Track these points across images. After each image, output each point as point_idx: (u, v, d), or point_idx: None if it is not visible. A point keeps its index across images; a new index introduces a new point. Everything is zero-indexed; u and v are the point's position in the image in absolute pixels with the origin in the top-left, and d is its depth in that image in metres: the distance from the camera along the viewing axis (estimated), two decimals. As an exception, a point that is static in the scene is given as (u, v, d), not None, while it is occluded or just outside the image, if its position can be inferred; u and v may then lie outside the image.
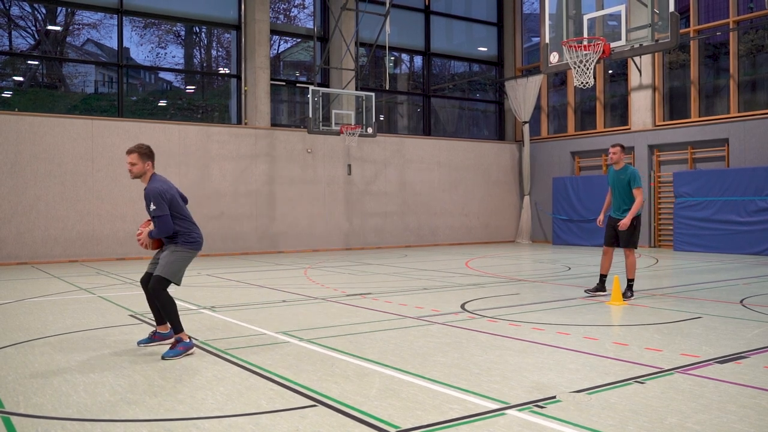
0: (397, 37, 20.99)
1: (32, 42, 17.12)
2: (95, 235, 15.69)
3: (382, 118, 21.07)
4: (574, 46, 8.76)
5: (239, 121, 18.30)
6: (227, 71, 19.22)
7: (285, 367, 5.12)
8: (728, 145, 17.08)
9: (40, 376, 4.92)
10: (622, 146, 8.78)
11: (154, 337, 6.08)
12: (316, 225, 18.65)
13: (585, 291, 8.99)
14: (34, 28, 17.10)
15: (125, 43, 17.33)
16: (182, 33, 18.90)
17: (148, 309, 8.05)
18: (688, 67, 18.19)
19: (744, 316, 7.24)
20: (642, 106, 18.92)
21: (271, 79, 18.51)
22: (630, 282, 8.60)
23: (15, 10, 16.46)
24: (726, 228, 16.44)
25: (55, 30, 17.30)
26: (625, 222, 8.43)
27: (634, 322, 7.00)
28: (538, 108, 22.03)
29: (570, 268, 12.97)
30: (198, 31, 19.21)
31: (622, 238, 8.64)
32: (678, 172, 17.68)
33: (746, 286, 9.91)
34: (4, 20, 16.21)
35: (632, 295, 8.52)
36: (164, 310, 5.78)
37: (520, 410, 4.02)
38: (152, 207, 5.70)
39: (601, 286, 8.88)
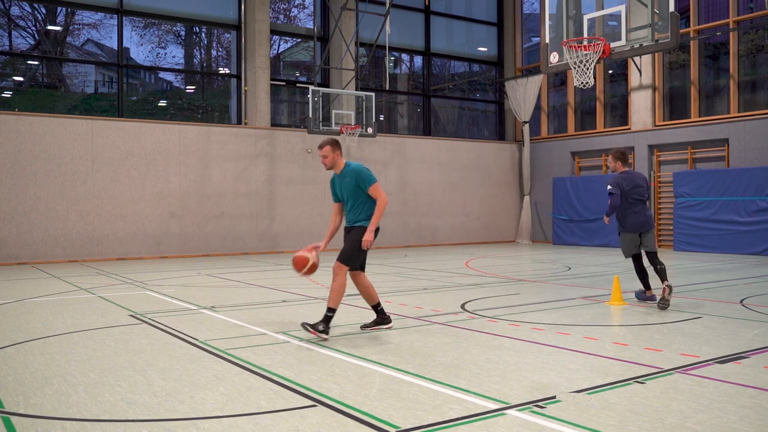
0: (397, 37, 20.99)
1: (32, 42, 17.12)
2: (95, 235, 15.69)
3: (382, 118, 21.07)
4: (574, 46, 8.76)
5: (239, 121, 18.31)
6: (227, 71, 19.22)
7: (285, 367, 5.12)
8: (728, 145, 17.08)
9: (40, 376, 4.92)
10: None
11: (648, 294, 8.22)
12: (316, 225, 18.64)
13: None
14: (34, 28, 17.11)
15: (125, 43, 17.33)
16: (182, 33, 18.90)
17: (148, 309, 8.06)
18: (688, 67, 18.19)
19: (744, 316, 7.24)
20: (642, 106, 18.92)
21: (271, 79, 18.51)
22: None
23: (15, 10, 16.46)
24: (726, 228, 16.44)
25: (55, 30, 17.30)
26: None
27: (634, 322, 7.00)
28: (538, 108, 22.02)
29: (570, 268, 12.97)
30: (198, 31, 19.21)
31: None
32: (678, 172, 17.68)
33: (746, 286, 9.91)
34: (4, 20, 16.21)
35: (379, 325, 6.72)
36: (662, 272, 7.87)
37: (520, 410, 4.02)
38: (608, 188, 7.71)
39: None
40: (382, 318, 6.65)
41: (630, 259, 8.64)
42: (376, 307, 6.61)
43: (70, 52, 17.61)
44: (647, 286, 8.37)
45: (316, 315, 7.62)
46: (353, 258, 6.34)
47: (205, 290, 10.01)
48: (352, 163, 6.52)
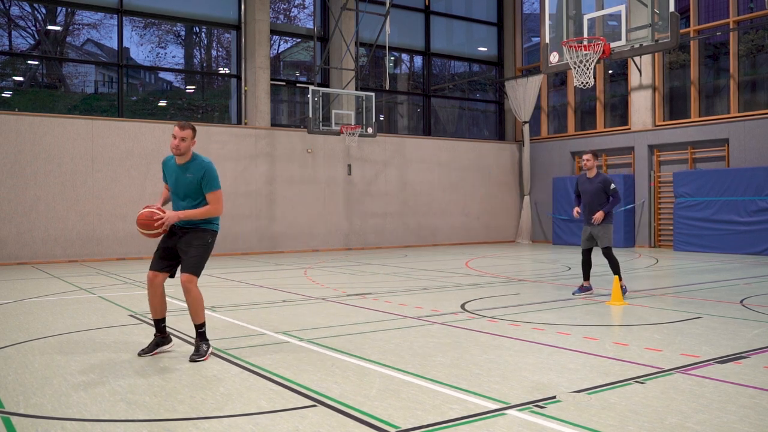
0: (397, 37, 20.99)
1: (32, 42, 17.12)
2: (95, 235, 15.69)
3: (382, 118, 21.07)
4: (574, 46, 8.76)
5: (239, 121, 18.30)
6: (227, 71, 19.22)
7: (285, 367, 5.12)
8: (728, 145, 17.07)
9: (40, 376, 4.92)
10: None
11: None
12: (316, 225, 18.64)
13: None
14: (34, 28, 17.10)
15: (125, 43, 17.33)
16: (182, 33, 18.90)
17: (148, 309, 8.06)
18: (688, 67, 18.19)
19: (744, 316, 7.24)
20: (642, 106, 18.92)
21: (271, 79, 18.51)
22: None
23: (15, 10, 16.46)
24: (726, 228, 16.44)
25: (55, 30, 17.30)
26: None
27: (634, 322, 7.00)
28: (538, 108, 22.02)
29: (570, 268, 12.96)
30: (198, 31, 19.21)
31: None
32: (678, 172, 17.67)
33: (746, 286, 9.91)
34: (4, 20, 16.21)
35: None
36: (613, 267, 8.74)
37: (520, 410, 4.02)
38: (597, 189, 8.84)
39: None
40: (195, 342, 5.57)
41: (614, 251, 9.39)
42: (199, 328, 5.54)
43: (70, 52, 17.61)
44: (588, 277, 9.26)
45: (316, 315, 7.63)
46: (201, 266, 5.77)
47: (204, 290, 9.97)
48: (201, 158, 5.51)
